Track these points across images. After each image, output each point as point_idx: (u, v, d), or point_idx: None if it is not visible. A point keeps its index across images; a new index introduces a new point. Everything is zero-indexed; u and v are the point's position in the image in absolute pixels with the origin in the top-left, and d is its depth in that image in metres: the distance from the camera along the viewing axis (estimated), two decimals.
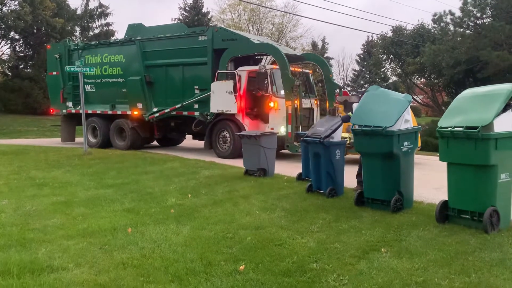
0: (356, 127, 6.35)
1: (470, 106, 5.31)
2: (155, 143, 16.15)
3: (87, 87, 15.32)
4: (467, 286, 3.64)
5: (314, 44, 46.95)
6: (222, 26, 23.94)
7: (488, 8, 25.04)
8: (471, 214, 5.22)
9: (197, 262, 4.27)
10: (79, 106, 13.84)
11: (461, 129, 5.10)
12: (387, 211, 6.04)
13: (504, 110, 5.10)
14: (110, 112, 15.02)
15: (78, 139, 16.49)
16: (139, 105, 14.19)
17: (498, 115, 5.01)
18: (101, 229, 5.35)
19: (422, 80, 35.14)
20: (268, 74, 12.01)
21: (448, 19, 26.93)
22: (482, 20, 25.88)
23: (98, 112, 15.28)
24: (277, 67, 12.01)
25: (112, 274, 4.03)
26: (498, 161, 5.03)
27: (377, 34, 38.91)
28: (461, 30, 26.77)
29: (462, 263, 4.12)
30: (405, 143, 6.09)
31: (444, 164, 5.49)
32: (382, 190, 6.20)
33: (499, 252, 4.41)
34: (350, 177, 7.85)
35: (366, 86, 46.50)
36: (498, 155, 5.01)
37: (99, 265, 4.24)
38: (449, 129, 5.21)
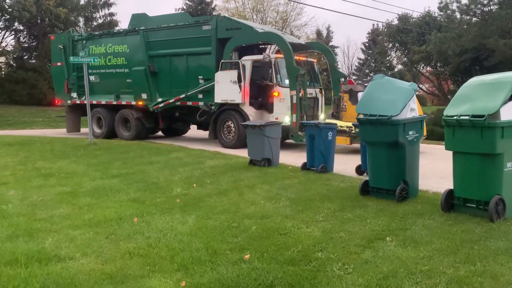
0: (361, 116, 6.32)
1: (477, 94, 5.26)
2: (160, 133, 16.17)
3: (92, 78, 15.32)
4: (472, 274, 3.64)
5: (318, 33, 46.68)
6: (226, 15, 23.77)
7: None
8: (476, 203, 5.20)
9: (203, 251, 4.30)
10: (84, 97, 13.86)
11: (467, 117, 5.06)
12: (392, 200, 6.04)
13: (511, 98, 5.05)
14: (114, 103, 15.04)
15: (84, 130, 16.53)
16: (144, 96, 14.19)
17: (505, 103, 4.96)
18: (107, 219, 5.38)
19: (428, 68, 34.89)
20: (273, 63, 11.95)
21: (454, 6, 26.60)
22: (489, 8, 25.53)
23: (103, 102, 15.30)
24: (282, 56, 11.94)
25: (119, 263, 4.06)
26: (505, 149, 5.00)
27: (382, 22, 38.58)
28: (468, 17, 26.45)
29: (467, 252, 4.12)
30: (410, 132, 6.06)
31: (450, 153, 5.47)
32: (387, 179, 6.19)
33: (504, 240, 4.40)
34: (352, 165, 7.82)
35: (371, 75, 46.21)
36: (505, 143, 4.97)
37: (105, 255, 4.27)
38: (455, 117, 5.17)
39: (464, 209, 5.32)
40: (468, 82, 5.68)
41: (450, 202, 5.42)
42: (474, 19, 26.16)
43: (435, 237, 4.53)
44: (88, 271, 3.89)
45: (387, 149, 6.13)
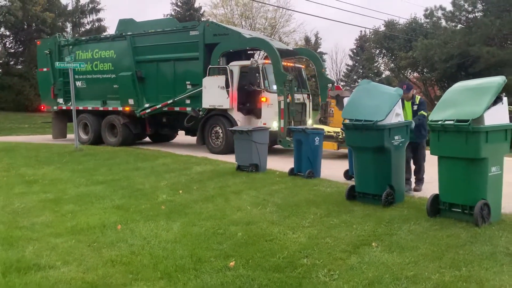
0: (347, 121, 6.33)
1: (461, 99, 5.29)
2: (147, 139, 16.04)
3: (78, 83, 15.17)
4: (458, 280, 3.63)
5: (307, 39, 46.85)
6: (214, 21, 23.78)
7: (479, 2, 25.07)
8: (462, 207, 5.21)
9: (187, 258, 4.23)
10: (70, 103, 13.70)
11: (451, 122, 5.09)
12: (378, 205, 6.04)
13: (495, 103, 5.10)
14: (101, 109, 14.88)
15: (70, 136, 16.33)
16: (131, 101, 14.07)
17: (488, 108, 5.00)
18: (90, 226, 5.29)
19: (415, 74, 35.20)
20: (260, 69, 11.94)
21: (439, 13, 26.98)
22: (473, 15, 25.93)
23: (89, 108, 15.14)
24: (269, 62, 11.95)
25: (101, 271, 3.98)
26: (489, 154, 5.03)
27: (370, 29, 38.91)
28: (453, 24, 26.83)
29: (452, 257, 4.11)
30: (396, 137, 6.07)
31: (436, 157, 5.48)
32: (373, 184, 6.19)
33: (489, 245, 4.40)
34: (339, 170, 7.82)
35: (359, 81, 46.55)
36: (489, 148, 5.00)
37: (87, 263, 4.18)
38: (440, 122, 5.20)
39: (449, 213, 5.33)
40: (453, 87, 5.72)
41: (436, 207, 5.43)
42: (459, 26, 26.55)
43: (421, 242, 4.52)
44: (69, 280, 3.80)
45: (373, 154, 6.14)
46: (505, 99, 5.34)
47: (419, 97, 7.42)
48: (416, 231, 4.88)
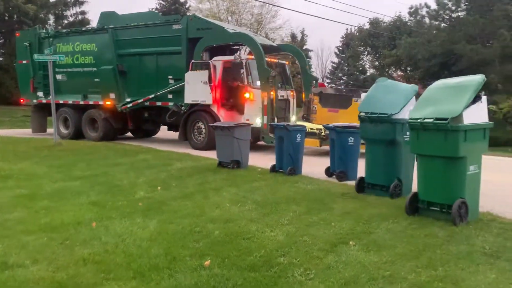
0: (363, 114, 6.61)
1: (441, 97, 5.28)
2: (129, 134, 15.83)
3: (58, 77, 14.90)
4: (434, 280, 3.61)
5: (293, 36, 46.84)
6: (199, 15, 23.54)
7: (463, 1, 25.35)
8: (440, 206, 5.21)
9: (162, 257, 4.14)
10: (50, 96, 13.41)
11: (431, 120, 5.07)
12: (361, 202, 6.08)
13: (474, 101, 5.09)
14: (82, 103, 14.63)
15: (50, 130, 16.00)
16: (112, 95, 13.85)
17: (467, 106, 4.99)
18: (64, 223, 5.16)
19: (398, 72, 35.50)
20: (244, 64, 11.83)
21: (424, 11, 27.23)
22: (457, 14, 26.22)
23: (70, 102, 14.86)
24: (253, 57, 11.85)
25: (71, 270, 3.87)
26: (467, 152, 5.03)
27: (355, 26, 39.05)
28: (437, 23, 27.11)
29: (429, 256, 4.10)
30: (408, 133, 6.11)
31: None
32: (382, 176, 6.47)
33: (466, 244, 4.40)
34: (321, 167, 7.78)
35: (344, 78, 46.70)
36: (467, 147, 5.00)
37: (58, 262, 4.06)
38: (419, 120, 5.18)
39: (428, 212, 5.33)
40: (433, 85, 5.71)
41: (415, 205, 5.42)
42: (442, 24, 26.81)
43: (398, 241, 4.49)
44: (37, 279, 3.68)
45: (384, 147, 6.40)
46: (484, 98, 5.34)
47: None
48: (394, 230, 4.86)
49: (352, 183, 7.49)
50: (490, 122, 5.40)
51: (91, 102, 14.45)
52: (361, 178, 6.77)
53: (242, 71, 11.85)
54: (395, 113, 6.18)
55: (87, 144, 12.89)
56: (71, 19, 36.47)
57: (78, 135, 14.65)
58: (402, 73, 34.13)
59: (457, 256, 4.10)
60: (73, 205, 6.04)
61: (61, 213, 5.57)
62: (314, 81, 13.43)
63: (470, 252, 4.20)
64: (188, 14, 33.45)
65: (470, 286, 3.52)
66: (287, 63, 13.85)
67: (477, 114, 5.16)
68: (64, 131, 15.02)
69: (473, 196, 5.22)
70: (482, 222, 5.19)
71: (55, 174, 8.23)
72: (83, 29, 16.21)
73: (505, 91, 26.34)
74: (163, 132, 15.69)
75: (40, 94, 15.51)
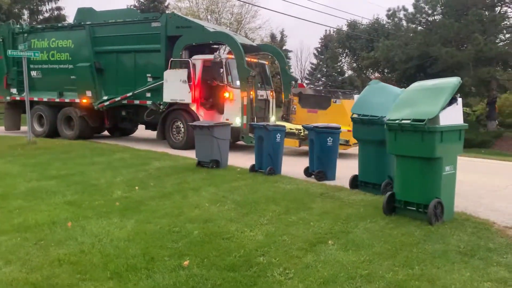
0: (355, 115, 6.87)
1: (418, 99, 5.37)
2: (105, 133, 15.57)
3: (33, 73, 14.56)
4: (410, 278, 3.67)
5: (273, 36, 46.94)
6: (178, 13, 23.34)
7: (439, 5, 25.88)
8: (416, 205, 5.30)
9: (139, 257, 4.09)
10: (24, 93, 13.08)
11: (408, 121, 5.15)
12: (339, 202, 6.15)
13: (450, 103, 5.20)
14: (57, 100, 14.31)
15: (24, 128, 15.63)
16: (88, 93, 13.58)
17: (444, 108, 5.09)
18: (38, 223, 5.05)
19: (376, 74, 35.98)
20: (224, 63, 11.79)
21: (401, 14, 27.67)
22: (433, 17, 26.75)
23: (45, 99, 14.51)
24: (233, 57, 11.82)
25: (46, 271, 3.79)
26: (443, 153, 5.13)
27: (333, 28, 39.41)
28: (414, 26, 27.58)
29: (406, 255, 4.16)
30: None
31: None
32: (374, 175, 6.73)
33: (441, 243, 4.49)
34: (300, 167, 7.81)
35: (323, 79, 47.08)
36: (443, 147, 5.09)
37: (32, 262, 3.98)
38: (397, 121, 5.26)
39: (405, 212, 5.41)
40: (410, 86, 5.81)
41: (392, 205, 5.50)
42: (419, 27, 27.31)
43: (376, 240, 4.55)
44: (10, 281, 3.59)
45: (375, 147, 6.61)
46: (459, 100, 5.46)
47: None
48: (372, 229, 4.92)
49: (331, 183, 7.58)
50: (465, 124, 5.53)
51: (67, 100, 14.16)
52: (355, 176, 7.06)
53: (221, 70, 11.80)
54: (385, 116, 6.18)
55: (63, 142, 12.63)
56: (46, 14, 35.70)
57: (53, 133, 14.33)
58: (379, 75, 34.61)
59: (433, 255, 4.17)
60: (48, 204, 5.91)
61: (36, 213, 5.45)
62: (294, 82, 13.48)
63: (445, 251, 4.29)
64: (167, 12, 33.16)
65: (446, 285, 3.58)
66: (266, 63, 13.86)
67: (453, 116, 5.27)
68: (38, 129, 14.68)
69: (449, 196, 5.33)
70: (457, 221, 5.30)
71: (29, 173, 8.04)
72: (59, 25, 15.83)
73: (478, 94, 27.06)
74: (141, 131, 15.51)
75: (14, 91, 15.13)
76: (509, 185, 8.31)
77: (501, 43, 25.01)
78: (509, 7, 25.92)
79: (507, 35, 25.57)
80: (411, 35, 26.55)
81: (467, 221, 5.32)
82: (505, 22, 25.07)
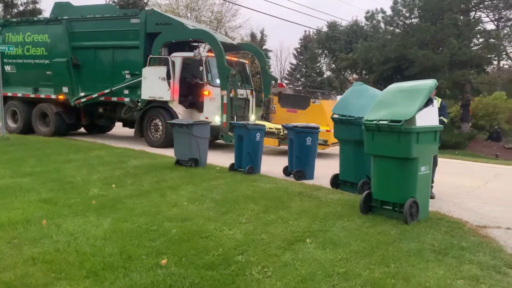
0: (336, 116, 7.01)
1: (395, 100, 5.46)
2: (82, 130, 15.31)
3: (7, 68, 14.24)
4: (386, 276, 3.73)
5: (253, 36, 47.01)
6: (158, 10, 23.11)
7: (416, 8, 26.34)
8: (392, 205, 5.40)
9: (116, 256, 4.03)
10: None
11: (385, 122, 5.24)
12: (316, 201, 6.20)
13: (426, 105, 5.30)
14: (32, 96, 14.01)
15: None
16: (65, 89, 13.34)
17: (420, 109, 5.19)
18: (12, 221, 4.91)
19: (354, 76, 36.40)
20: (204, 61, 11.75)
21: (379, 17, 28.04)
22: (410, 20, 27.19)
23: (19, 95, 14.20)
24: (213, 55, 11.78)
25: (19, 270, 3.70)
26: (419, 154, 5.24)
27: (313, 29, 39.68)
28: (391, 28, 28.00)
29: (382, 254, 4.23)
30: None
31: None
32: (353, 174, 6.87)
33: (417, 242, 4.58)
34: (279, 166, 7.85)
35: (302, 80, 47.34)
36: (419, 148, 5.20)
37: (5, 261, 3.88)
38: (374, 122, 5.34)
39: (381, 211, 5.51)
40: (388, 88, 5.91)
41: (369, 204, 5.59)
42: (397, 30, 27.73)
43: (353, 239, 4.61)
44: None
45: (354, 147, 6.76)
46: (435, 101, 5.59)
47: (440, 100, 6.92)
48: (349, 228, 4.98)
49: (309, 182, 7.65)
50: (441, 125, 5.66)
51: (42, 96, 13.87)
52: (336, 175, 7.17)
53: (201, 68, 11.76)
54: (362, 117, 6.24)
55: (38, 139, 12.37)
56: (21, 8, 34.75)
57: (27, 129, 14.04)
58: (357, 76, 35.02)
59: (408, 253, 4.26)
60: (22, 202, 5.76)
61: (9, 211, 5.31)
62: (274, 82, 13.53)
63: (420, 249, 4.38)
64: (146, 8, 32.81)
65: (420, 282, 3.66)
66: (247, 62, 13.86)
67: (429, 117, 5.39)
68: (12, 125, 14.37)
69: (424, 195, 5.44)
70: (432, 220, 5.42)
71: (2, 169, 7.83)
72: (35, 19, 15.48)
73: (452, 96, 27.65)
74: (118, 128, 15.31)
75: None
76: (481, 186, 8.54)
77: (475, 47, 25.62)
78: (483, 12, 26.60)
79: (481, 40, 26.20)
80: (389, 37, 26.94)
81: (441, 220, 5.45)
82: (479, 27, 25.68)
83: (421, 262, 4.05)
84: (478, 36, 26.10)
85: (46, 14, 32.54)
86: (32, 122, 14.01)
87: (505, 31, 25.87)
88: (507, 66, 32.41)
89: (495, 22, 26.86)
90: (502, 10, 25.99)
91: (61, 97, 13.42)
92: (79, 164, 8.55)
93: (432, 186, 7.09)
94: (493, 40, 24.88)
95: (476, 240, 4.78)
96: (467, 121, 27.21)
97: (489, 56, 25.87)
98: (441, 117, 6.52)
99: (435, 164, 7.08)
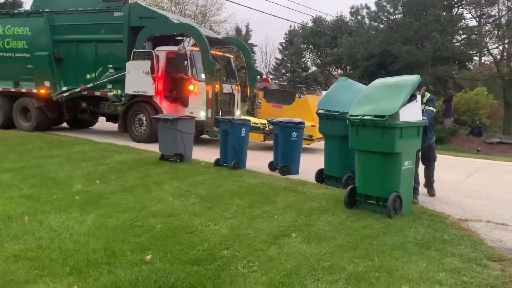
0: (321, 111, 7.04)
1: (379, 96, 5.51)
2: (64, 124, 15.09)
3: None
4: (370, 270, 3.77)
5: (238, 30, 46.76)
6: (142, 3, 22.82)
7: (400, 4, 26.54)
8: (376, 199, 5.45)
9: (100, 252, 3.99)
10: None
11: (370, 117, 5.28)
12: (301, 196, 6.23)
13: (410, 100, 5.36)
14: (13, 90, 13.74)
15: None
16: (47, 83, 13.12)
17: (404, 105, 5.25)
18: None
19: (339, 71, 36.58)
20: (188, 56, 11.66)
21: (364, 12, 28.20)
22: (394, 16, 27.42)
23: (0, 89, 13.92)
24: (198, 49, 11.70)
25: (1, 268, 3.63)
26: (403, 149, 5.30)
27: (298, 24, 39.73)
28: (376, 24, 28.18)
29: (366, 247, 4.28)
30: None
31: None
32: (337, 168, 6.93)
33: (400, 235, 4.64)
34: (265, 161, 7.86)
35: (287, 75, 47.38)
36: (403, 143, 5.26)
37: None
38: (359, 117, 5.38)
39: (365, 205, 5.56)
40: (372, 83, 5.95)
41: (353, 198, 5.64)
42: (381, 26, 27.93)
43: (338, 233, 4.65)
44: None
45: (338, 142, 6.81)
46: (418, 97, 5.65)
47: (429, 94, 6.74)
48: (334, 222, 5.02)
49: (294, 177, 7.68)
50: (424, 120, 5.73)
51: (23, 90, 13.60)
52: (321, 170, 7.21)
53: (186, 62, 11.67)
54: (346, 112, 6.20)
55: (19, 134, 12.15)
56: (1, 0, 34.02)
57: (8, 124, 13.74)
58: (342, 71, 35.20)
59: (391, 247, 4.31)
60: (3, 198, 5.65)
61: None
62: (259, 76, 13.51)
63: (403, 242, 4.44)
64: (130, 1, 32.36)
65: (404, 275, 3.71)
66: (232, 56, 13.81)
67: (412, 113, 5.45)
68: None
69: (407, 190, 5.52)
70: (415, 214, 5.49)
71: None
72: (15, 11, 15.17)
73: (435, 92, 28.01)
74: (102, 123, 15.12)
75: None
76: (463, 180, 8.69)
77: (457, 43, 25.96)
78: (465, 9, 26.95)
79: (463, 36, 26.57)
80: (373, 33, 27.12)
81: (424, 214, 5.53)
82: (461, 23, 26.03)
83: (404, 255, 4.11)
84: (461, 32, 26.48)
85: (27, 6, 31.91)
86: (13, 116, 13.72)
87: (487, 28, 26.26)
88: (488, 62, 32.93)
89: (477, 19, 27.28)
90: (484, 7, 26.40)
91: (42, 91, 13.19)
92: (61, 160, 8.42)
93: (433, 183, 7.08)
94: (475, 37, 25.24)
95: (457, 233, 4.86)
96: (449, 116, 27.62)
97: (471, 52, 26.26)
98: (431, 107, 6.44)
99: (434, 160, 6.97)
